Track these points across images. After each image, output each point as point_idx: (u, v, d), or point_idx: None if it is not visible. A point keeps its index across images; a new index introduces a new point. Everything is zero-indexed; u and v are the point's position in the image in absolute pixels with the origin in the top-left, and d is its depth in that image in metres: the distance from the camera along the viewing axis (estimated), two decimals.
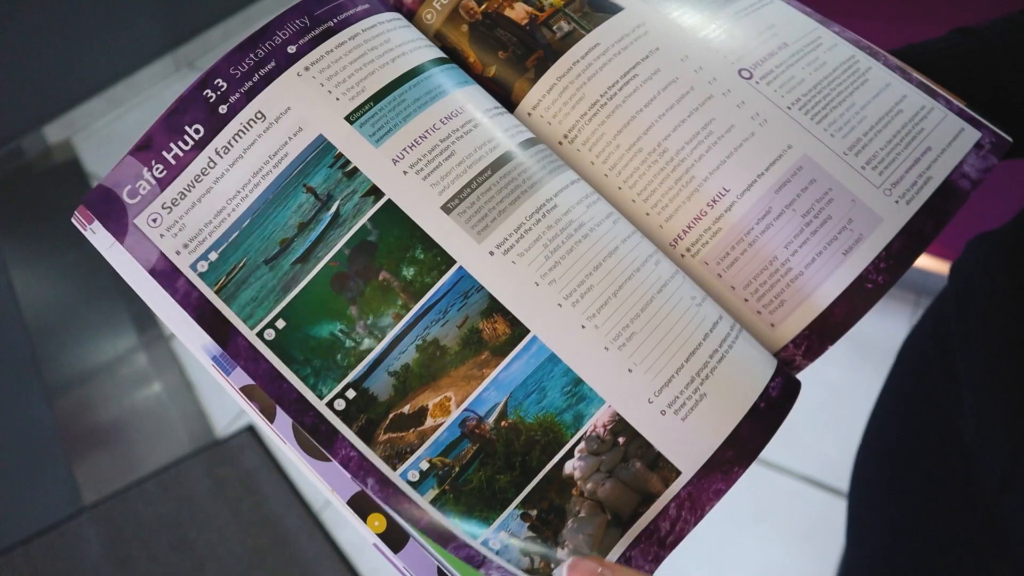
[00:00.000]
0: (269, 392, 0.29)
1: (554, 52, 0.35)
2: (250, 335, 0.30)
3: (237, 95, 0.32)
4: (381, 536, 0.29)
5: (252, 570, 1.20)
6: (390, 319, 0.29)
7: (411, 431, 0.29)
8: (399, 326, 0.29)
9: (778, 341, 0.31)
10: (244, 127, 0.31)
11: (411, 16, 0.37)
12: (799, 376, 0.32)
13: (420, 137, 0.31)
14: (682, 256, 0.32)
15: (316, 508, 1.26)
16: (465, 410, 0.29)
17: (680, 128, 0.33)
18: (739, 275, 0.32)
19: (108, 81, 1.99)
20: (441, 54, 0.35)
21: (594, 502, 0.28)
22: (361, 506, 0.29)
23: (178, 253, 0.30)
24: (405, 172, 0.31)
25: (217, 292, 0.30)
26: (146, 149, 0.31)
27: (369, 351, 0.29)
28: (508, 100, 0.35)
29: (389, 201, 0.30)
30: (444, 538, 0.28)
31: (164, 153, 0.31)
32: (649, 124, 0.33)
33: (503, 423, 0.29)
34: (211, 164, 0.31)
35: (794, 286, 0.31)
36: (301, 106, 0.31)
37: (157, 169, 0.31)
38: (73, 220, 0.31)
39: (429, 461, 0.29)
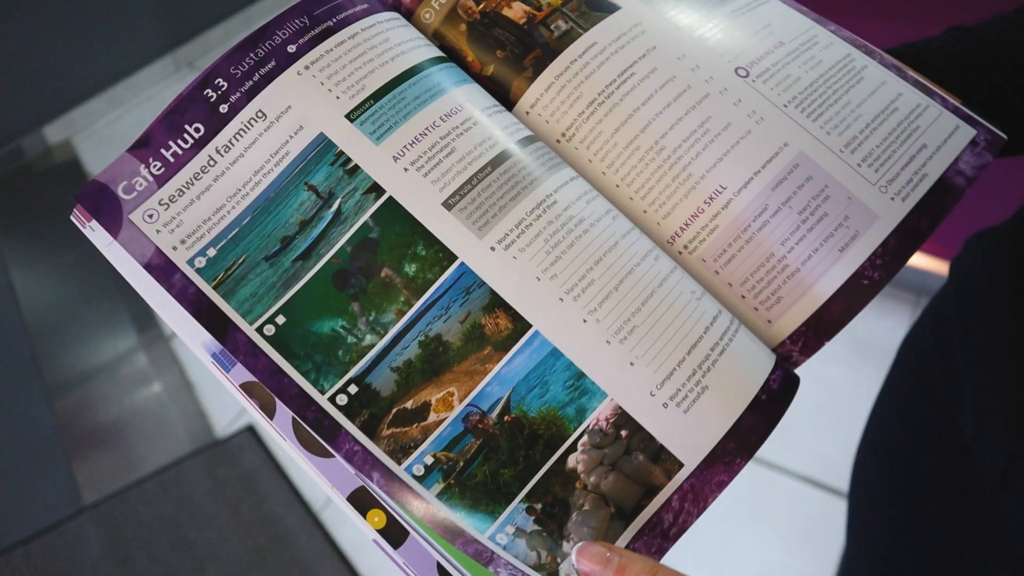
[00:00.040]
0: (269, 387, 0.29)
1: (552, 51, 0.35)
2: (249, 330, 0.30)
3: (238, 94, 0.32)
4: (381, 532, 0.29)
5: (252, 570, 1.20)
6: (392, 315, 0.30)
7: (414, 426, 0.29)
8: (402, 322, 0.29)
9: (775, 337, 0.32)
10: (245, 126, 0.31)
11: (409, 16, 0.37)
12: (797, 372, 0.32)
13: (420, 135, 0.31)
14: (679, 253, 0.33)
15: (316, 508, 1.26)
16: (468, 405, 0.29)
17: (677, 126, 0.33)
18: (736, 272, 0.32)
19: (108, 81, 1.99)
20: (440, 53, 0.35)
21: (598, 495, 0.28)
22: (361, 502, 0.29)
23: (175, 248, 0.30)
24: (406, 169, 0.31)
25: (215, 287, 0.30)
26: (144, 147, 0.31)
27: (371, 347, 0.29)
28: (506, 99, 0.35)
29: (390, 198, 0.31)
30: (452, 534, 0.28)
31: (163, 151, 0.31)
32: (646, 122, 0.33)
33: (506, 418, 0.29)
34: (211, 162, 0.31)
35: (791, 283, 0.31)
36: (302, 105, 0.32)
37: (155, 166, 0.31)
38: (72, 218, 0.31)
39: (433, 456, 0.29)
